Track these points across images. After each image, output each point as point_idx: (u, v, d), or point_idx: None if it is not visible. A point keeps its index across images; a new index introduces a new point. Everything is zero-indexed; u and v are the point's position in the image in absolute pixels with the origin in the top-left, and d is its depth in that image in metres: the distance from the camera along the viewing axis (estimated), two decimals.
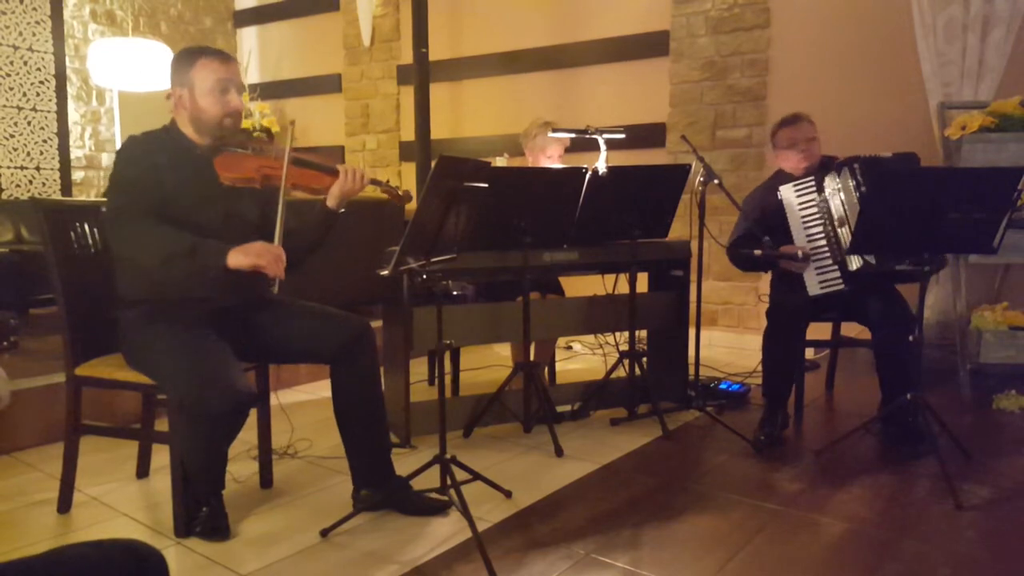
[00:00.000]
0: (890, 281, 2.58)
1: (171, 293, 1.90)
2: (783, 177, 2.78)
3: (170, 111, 1.98)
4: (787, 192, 2.63)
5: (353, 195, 2.01)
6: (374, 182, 2.05)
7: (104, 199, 1.94)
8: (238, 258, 1.77)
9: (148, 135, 1.96)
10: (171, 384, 1.85)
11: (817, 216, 2.57)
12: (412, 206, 1.98)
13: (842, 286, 2.51)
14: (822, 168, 2.62)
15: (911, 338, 2.30)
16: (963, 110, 3.30)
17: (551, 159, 3.15)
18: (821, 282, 2.55)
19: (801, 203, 2.60)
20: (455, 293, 3.00)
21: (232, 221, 1.96)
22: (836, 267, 2.53)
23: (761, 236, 2.58)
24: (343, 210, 2.02)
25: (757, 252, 2.61)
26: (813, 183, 2.58)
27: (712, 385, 3.15)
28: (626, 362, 2.85)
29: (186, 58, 1.94)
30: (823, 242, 2.55)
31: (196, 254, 1.78)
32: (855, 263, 2.46)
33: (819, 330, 2.77)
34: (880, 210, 2.17)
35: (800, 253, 2.53)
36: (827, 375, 3.31)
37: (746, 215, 2.78)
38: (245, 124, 5.19)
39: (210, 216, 1.91)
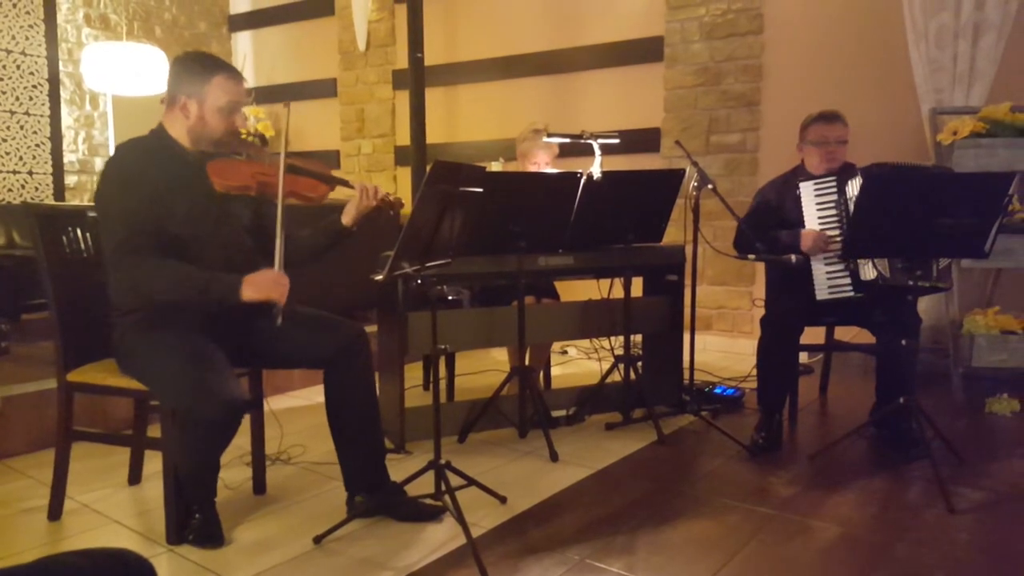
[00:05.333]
0: (902, 292, 2.56)
1: (167, 304, 1.88)
2: (802, 173, 2.71)
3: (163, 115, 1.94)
4: (806, 189, 2.57)
5: (369, 210, 2.00)
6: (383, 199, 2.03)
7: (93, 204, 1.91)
8: (250, 292, 1.77)
9: (136, 143, 1.92)
10: (164, 391, 1.84)
11: (835, 218, 2.52)
12: (407, 210, 1.97)
13: (851, 293, 2.49)
14: (844, 172, 2.57)
15: (904, 342, 2.31)
16: (954, 116, 3.32)
17: (537, 166, 3.14)
18: (831, 287, 2.52)
19: (820, 203, 2.55)
20: (450, 298, 3.00)
21: (225, 227, 1.95)
22: (848, 274, 2.50)
23: (762, 234, 2.54)
24: (355, 228, 2.03)
25: (751, 256, 2.62)
26: (835, 183, 2.52)
27: (707, 389, 3.16)
28: (621, 366, 2.85)
29: (202, 70, 1.89)
30: (838, 246, 2.50)
31: (209, 291, 1.78)
32: (868, 273, 2.43)
33: (813, 334, 2.77)
34: (873, 214, 2.18)
35: (793, 259, 2.51)
36: (821, 379, 3.32)
37: (755, 207, 2.75)
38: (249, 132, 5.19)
39: (204, 222, 1.90)
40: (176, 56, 1.96)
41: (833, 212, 2.53)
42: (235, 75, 1.93)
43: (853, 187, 2.47)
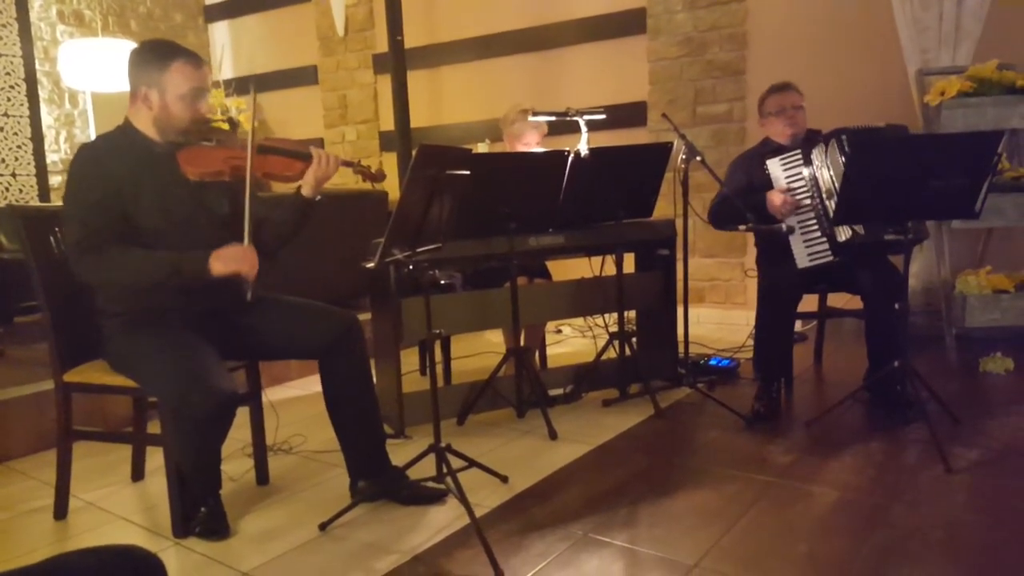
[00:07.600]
0: (880, 251, 2.59)
1: (152, 304, 1.88)
2: (770, 145, 2.77)
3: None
4: (774, 166, 2.62)
5: (327, 179, 1.97)
6: (346, 163, 2.02)
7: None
8: (219, 266, 1.79)
9: (102, 140, 1.91)
10: (155, 388, 1.84)
11: (805, 189, 2.57)
12: (395, 196, 1.96)
13: (831, 258, 2.52)
14: (808, 141, 2.62)
15: (897, 306, 2.33)
16: (941, 76, 3.32)
17: (528, 146, 3.13)
18: (810, 254, 2.55)
19: (788, 176, 2.59)
20: (443, 282, 3.00)
21: (198, 218, 1.92)
22: (824, 239, 2.53)
23: (742, 204, 2.56)
24: (319, 198, 1.99)
25: (742, 228, 2.62)
26: (800, 156, 2.57)
27: (702, 362, 3.18)
28: (616, 343, 2.86)
29: (158, 58, 1.86)
30: (811, 214, 2.56)
31: (180, 271, 1.79)
32: (844, 234, 2.46)
33: (806, 301, 2.78)
34: (863, 179, 2.17)
35: (784, 227, 2.54)
36: (815, 346, 3.34)
37: (729, 182, 2.78)
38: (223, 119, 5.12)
39: (176, 212, 1.88)
40: (133, 47, 1.93)
41: (802, 183, 2.57)
42: (194, 60, 1.89)
43: (820, 156, 2.52)
